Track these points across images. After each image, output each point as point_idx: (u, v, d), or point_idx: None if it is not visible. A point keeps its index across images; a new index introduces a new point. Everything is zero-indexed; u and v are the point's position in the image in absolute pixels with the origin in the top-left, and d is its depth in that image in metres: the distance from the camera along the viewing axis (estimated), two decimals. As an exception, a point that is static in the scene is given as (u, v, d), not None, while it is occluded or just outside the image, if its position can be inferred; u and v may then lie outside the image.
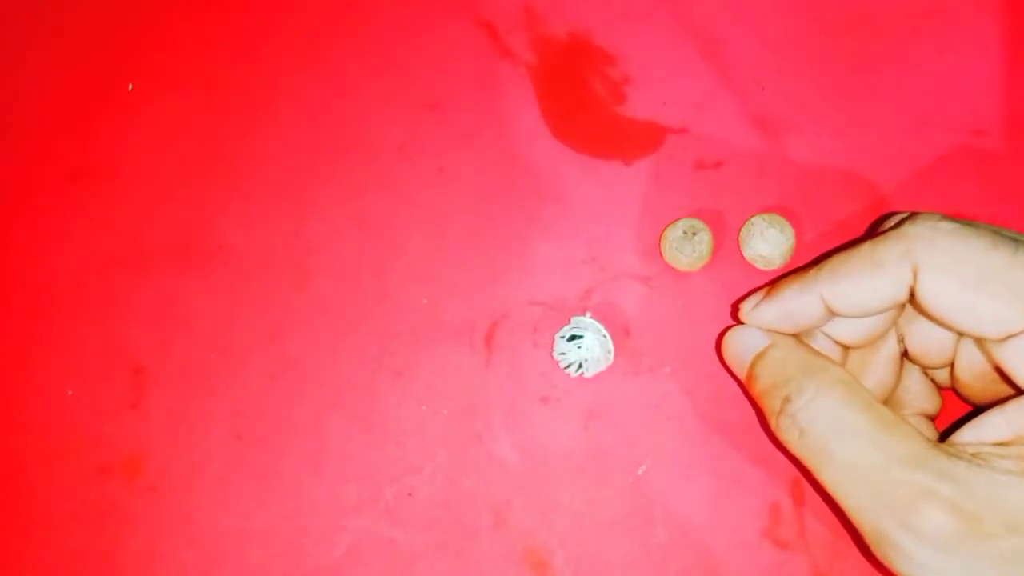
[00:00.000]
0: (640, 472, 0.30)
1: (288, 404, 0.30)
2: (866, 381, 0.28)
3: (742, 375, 0.27)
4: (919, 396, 0.28)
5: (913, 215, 0.25)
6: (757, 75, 0.34)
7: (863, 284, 0.24)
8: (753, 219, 0.31)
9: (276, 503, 0.30)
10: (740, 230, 0.32)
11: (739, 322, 0.28)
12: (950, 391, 0.28)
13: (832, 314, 0.26)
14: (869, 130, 0.33)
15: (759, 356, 0.26)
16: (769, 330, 0.27)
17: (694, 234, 0.31)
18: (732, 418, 0.30)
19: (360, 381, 0.31)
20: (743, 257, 0.31)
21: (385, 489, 0.30)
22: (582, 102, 0.34)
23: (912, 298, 0.24)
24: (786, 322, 0.26)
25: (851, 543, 0.29)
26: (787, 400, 0.25)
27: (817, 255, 0.31)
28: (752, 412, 0.30)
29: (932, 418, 0.28)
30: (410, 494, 0.30)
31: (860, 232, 0.32)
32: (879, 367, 0.28)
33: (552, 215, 0.33)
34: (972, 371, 0.26)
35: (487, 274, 0.32)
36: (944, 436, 0.25)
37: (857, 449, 0.23)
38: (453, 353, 0.31)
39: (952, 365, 0.27)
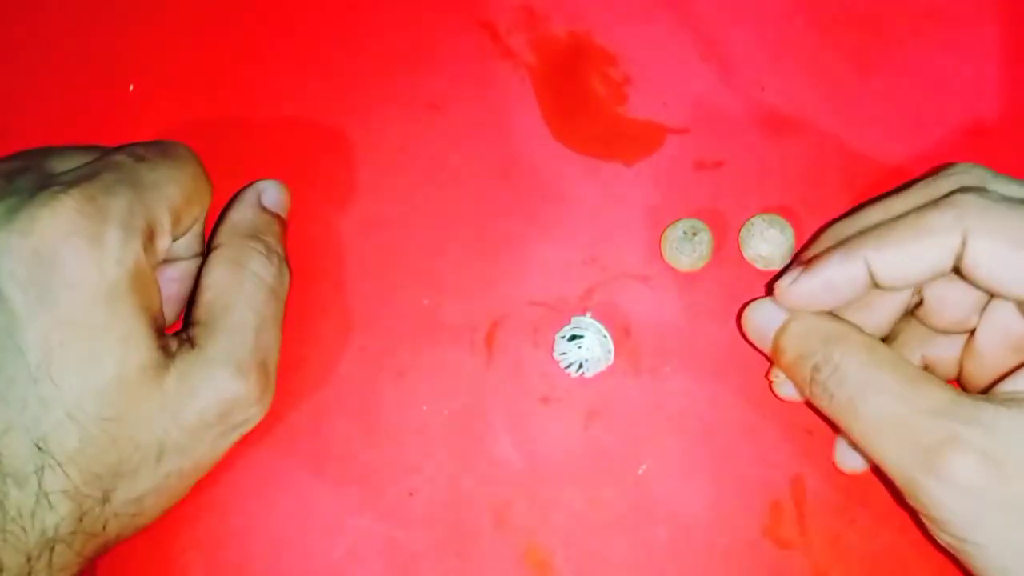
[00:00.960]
0: (640, 472, 0.30)
1: (289, 404, 0.30)
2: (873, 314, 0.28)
3: (766, 348, 0.28)
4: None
5: (954, 171, 0.25)
6: (757, 75, 0.34)
7: (911, 250, 0.24)
8: (753, 219, 0.31)
9: (277, 503, 0.30)
10: (740, 230, 0.32)
11: (741, 326, 0.28)
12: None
13: (875, 286, 0.26)
14: (869, 130, 0.33)
15: (781, 329, 0.27)
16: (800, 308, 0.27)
17: (694, 234, 0.31)
18: (732, 418, 0.30)
19: (361, 381, 0.31)
20: (743, 257, 0.31)
21: (386, 489, 0.30)
22: (582, 102, 0.34)
23: (956, 269, 0.24)
24: (828, 294, 0.26)
25: (851, 543, 0.29)
26: (816, 369, 0.25)
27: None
28: (752, 412, 0.30)
29: None
30: (411, 494, 0.30)
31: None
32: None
33: (552, 215, 0.33)
34: (996, 337, 0.27)
35: (488, 274, 0.32)
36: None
37: (883, 404, 0.24)
38: (454, 353, 0.31)
39: (967, 345, 0.27)
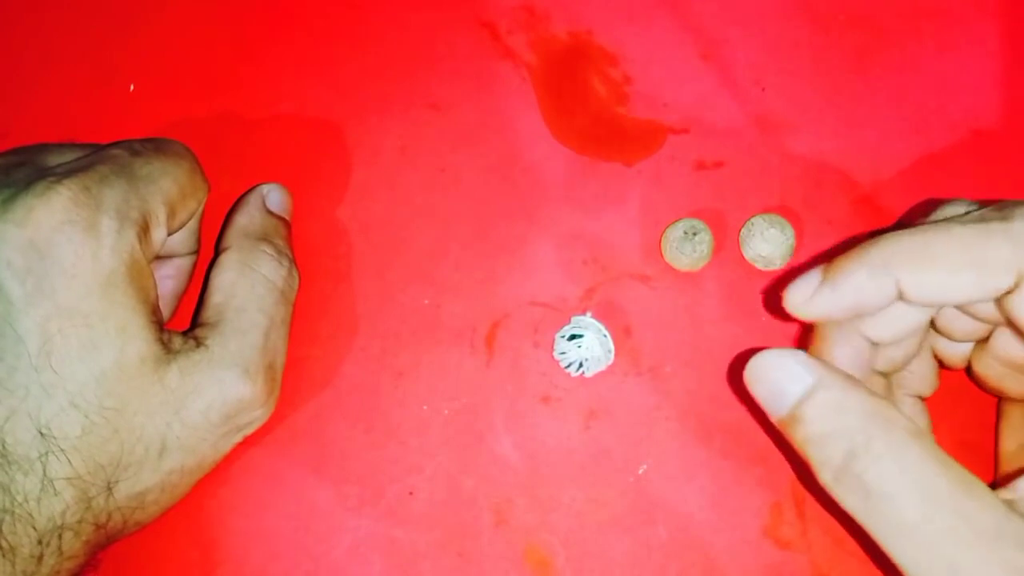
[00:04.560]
0: (640, 472, 0.30)
1: (289, 404, 0.30)
2: (895, 347, 0.26)
3: (778, 415, 0.23)
4: (919, 377, 0.28)
5: (1019, 207, 0.22)
6: (757, 75, 0.34)
7: (955, 278, 0.22)
8: (753, 219, 0.31)
9: (278, 503, 0.30)
10: (740, 230, 0.32)
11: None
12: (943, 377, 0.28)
13: (901, 300, 0.23)
14: (869, 130, 0.33)
15: (808, 396, 0.22)
16: (815, 356, 0.23)
17: (694, 234, 0.31)
18: (732, 418, 0.30)
19: (362, 381, 0.31)
20: (743, 257, 0.31)
21: (386, 488, 0.30)
22: (582, 102, 0.34)
23: (997, 301, 0.22)
24: (849, 310, 0.23)
25: (852, 543, 0.29)
26: (851, 455, 0.21)
27: (818, 256, 0.31)
28: (752, 412, 0.30)
29: (925, 400, 0.28)
30: (411, 493, 0.30)
31: (860, 232, 0.32)
32: (908, 339, 0.25)
33: (552, 215, 0.33)
34: (1007, 358, 0.25)
35: (488, 274, 0.32)
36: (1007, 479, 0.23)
37: (938, 520, 0.20)
38: (454, 353, 0.31)
39: (976, 348, 0.26)
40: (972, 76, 0.33)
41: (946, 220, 0.23)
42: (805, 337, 0.29)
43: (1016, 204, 0.22)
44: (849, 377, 0.23)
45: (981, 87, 0.33)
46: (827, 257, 0.25)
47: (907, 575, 0.20)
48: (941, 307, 0.23)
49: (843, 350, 0.25)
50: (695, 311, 0.31)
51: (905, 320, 0.24)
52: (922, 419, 0.28)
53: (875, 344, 0.25)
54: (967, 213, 0.23)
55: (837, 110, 0.33)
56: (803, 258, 0.31)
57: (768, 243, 0.31)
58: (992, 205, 0.23)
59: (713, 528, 0.29)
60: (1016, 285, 0.21)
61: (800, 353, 0.23)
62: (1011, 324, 0.22)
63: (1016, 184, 0.32)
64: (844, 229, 0.32)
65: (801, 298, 0.24)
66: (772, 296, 0.31)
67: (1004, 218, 0.22)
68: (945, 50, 0.34)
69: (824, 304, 0.23)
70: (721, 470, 0.29)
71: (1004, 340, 0.25)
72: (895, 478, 0.20)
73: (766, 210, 0.32)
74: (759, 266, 0.31)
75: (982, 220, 0.22)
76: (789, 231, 0.31)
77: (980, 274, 0.21)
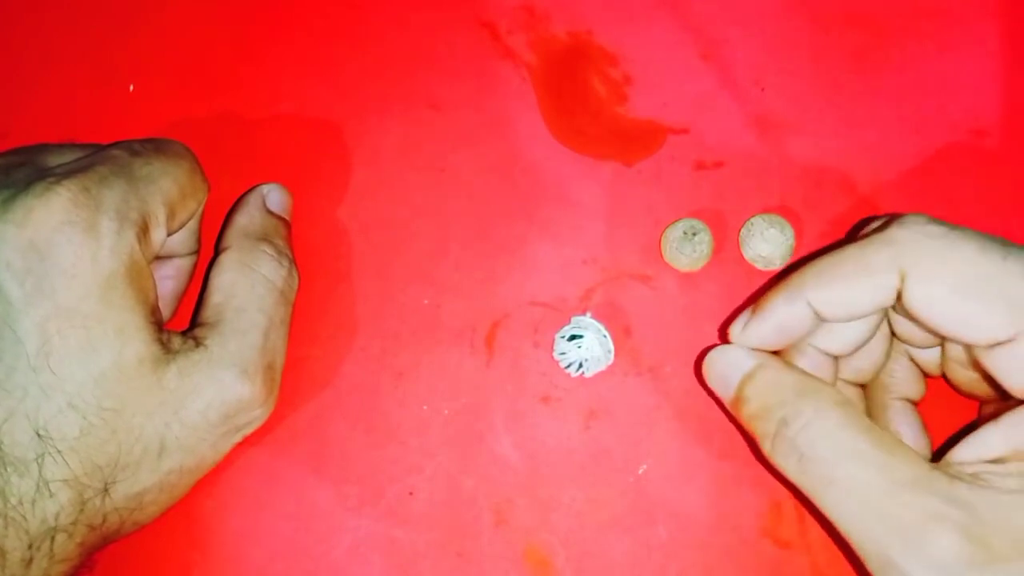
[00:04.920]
0: (640, 472, 0.30)
1: (290, 404, 0.30)
2: (858, 358, 0.27)
3: (728, 397, 0.26)
4: (904, 381, 0.28)
5: (899, 217, 0.24)
6: (757, 75, 0.34)
7: (850, 289, 0.24)
8: (753, 219, 0.31)
9: (278, 503, 0.30)
10: (740, 230, 0.32)
11: (727, 342, 0.27)
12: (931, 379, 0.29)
13: (822, 321, 0.25)
14: (869, 130, 0.33)
15: (747, 377, 0.25)
16: (758, 349, 0.26)
17: (694, 234, 0.31)
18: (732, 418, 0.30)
19: (361, 381, 0.31)
20: (743, 257, 0.31)
21: (386, 488, 0.30)
22: (582, 102, 0.34)
23: (898, 301, 0.24)
24: (778, 335, 0.26)
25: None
26: (783, 423, 0.24)
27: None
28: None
29: (915, 403, 0.28)
30: (411, 493, 0.30)
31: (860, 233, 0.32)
32: (872, 344, 0.27)
33: (552, 215, 0.33)
34: (960, 366, 0.26)
35: (488, 274, 0.32)
36: (938, 455, 0.25)
37: (860, 473, 0.22)
38: (454, 353, 0.31)
39: (942, 354, 0.27)
40: (972, 76, 0.33)
41: (847, 242, 0.25)
42: None
43: (896, 215, 0.24)
44: (785, 360, 0.26)
45: (981, 87, 0.33)
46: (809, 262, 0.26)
47: (839, 527, 0.23)
48: (853, 319, 0.25)
49: (800, 363, 0.27)
50: (695, 311, 0.31)
51: (851, 333, 0.26)
52: (913, 421, 0.28)
53: (835, 356, 0.27)
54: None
55: (837, 110, 0.33)
56: (803, 258, 0.31)
57: (768, 243, 0.31)
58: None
59: (713, 528, 0.29)
60: (901, 281, 0.23)
61: (743, 347, 0.26)
62: (913, 319, 0.24)
63: (1016, 184, 0.32)
64: (844, 229, 0.32)
65: (738, 330, 0.26)
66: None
67: (881, 228, 0.24)
68: (945, 50, 0.34)
69: (755, 333, 0.26)
70: (721, 470, 0.29)
71: (952, 345, 0.26)
72: (821, 440, 0.23)
73: (766, 210, 0.32)
74: (759, 266, 0.31)
75: (867, 235, 0.24)
76: (789, 231, 0.31)
77: (869, 280, 0.24)
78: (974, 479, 0.22)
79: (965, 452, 0.23)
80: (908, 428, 0.28)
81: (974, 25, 0.34)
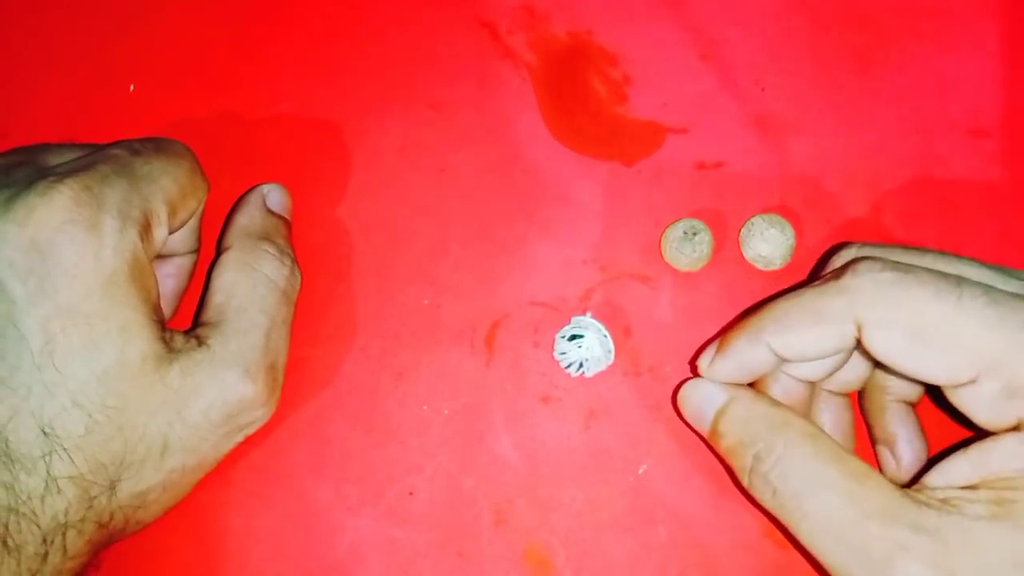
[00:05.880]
0: (640, 472, 0.30)
1: (290, 404, 0.30)
2: (842, 373, 0.27)
3: (704, 431, 0.27)
4: (900, 384, 0.28)
5: (854, 264, 0.24)
6: (757, 75, 0.34)
7: (808, 335, 0.24)
8: (753, 219, 0.31)
9: (278, 503, 0.30)
10: (740, 230, 0.32)
11: (697, 375, 0.27)
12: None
13: (784, 361, 0.26)
14: (869, 130, 0.33)
15: (720, 412, 0.26)
16: (727, 383, 0.27)
17: (694, 234, 0.31)
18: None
19: (361, 381, 0.31)
20: (743, 257, 0.32)
21: (386, 488, 0.30)
22: (582, 102, 0.34)
23: (859, 344, 0.24)
24: (742, 373, 0.26)
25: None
26: (757, 459, 0.24)
27: (818, 255, 0.31)
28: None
29: (913, 405, 0.28)
30: (411, 493, 0.30)
31: (860, 232, 0.32)
32: (852, 363, 0.27)
33: (552, 215, 0.33)
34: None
35: (488, 274, 0.32)
36: (915, 479, 0.25)
37: (831, 504, 0.23)
38: (454, 353, 0.31)
39: None
40: (972, 76, 0.33)
41: (803, 287, 0.25)
42: None
43: (853, 263, 0.24)
44: (756, 393, 0.26)
45: (981, 87, 0.33)
46: (824, 260, 0.26)
47: (817, 558, 0.23)
48: (816, 359, 0.25)
49: (773, 390, 0.27)
50: (695, 311, 0.31)
51: (820, 365, 0.26)
52: (910, 422, 0.28)
53: (808, 381, 0.27)
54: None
55: (837, 110, 0.33)
56: (803, 258, 0.31)
57: (768, 243, 0.31)
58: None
59: (713, 528, 0.29)
60: (858, 329, 0.23)
61: (714, 381, 0.27)
62: (878, 364, 0.24)
63: (1016, 184, 0.32)
64: (844, 229, 0.32)
65: (705, 364, 0.27)
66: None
67: (837, 276, 0.24)
68: (945, 50, 0.34)
69: (721, 370, 0.26)
70: (721, 470, 0.29)
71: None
72: (793, 474, 0.24)
73: (766, 210, 0.32)
74: (759, 266, 0.31)
75: (823, 282, 0.25)
76: (789, 231, 0.31)
77: (825, 328, 0.24)
78: (943, 504, 0.22)
79: (937, 478, 0.23)
80: (905, 430, 0.28)
81: (974, 25, 0.34)
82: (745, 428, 0.25)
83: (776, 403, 0.26)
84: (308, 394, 0.31)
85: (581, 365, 0.30)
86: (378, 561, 0.29)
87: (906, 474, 0.28)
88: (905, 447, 0.28)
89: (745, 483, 0.25)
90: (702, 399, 0.27)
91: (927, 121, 0.33)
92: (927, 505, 0.22)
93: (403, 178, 0.33)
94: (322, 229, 0.33)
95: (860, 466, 0.23)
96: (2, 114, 0.35)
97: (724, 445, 0.26)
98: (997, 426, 0.22)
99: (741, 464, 0.25)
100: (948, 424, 0.28)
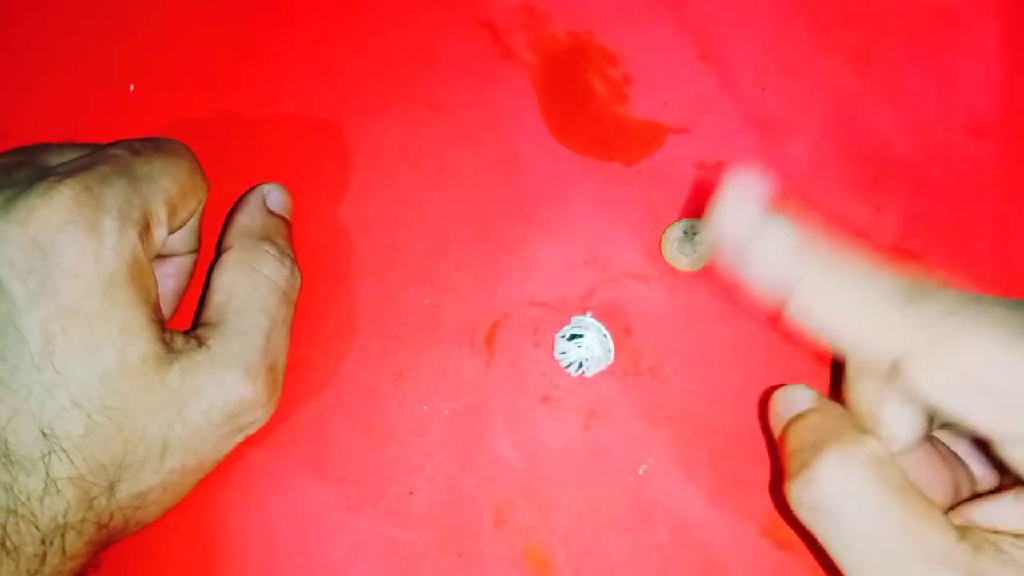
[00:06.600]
0: (640, 472, 0.30)
1: (290, 404, 0.30)
2: None
3: (776, 434, 0.26)
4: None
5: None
6: (757, 75, 0.34)
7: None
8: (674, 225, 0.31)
9: (278, 503, 0.30)
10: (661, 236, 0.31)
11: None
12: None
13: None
14: (869, 130, 0.33)
15: (796, 417, 0.25)
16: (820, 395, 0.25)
17: (694, 234, 0.31)
18: (732, 418, 0.30)
19: (362, 381, 0.31)
20: (743, 257, 0.31)
21: (386, 488, 0.30)
22: (582, 102, 0.34)
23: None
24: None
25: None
26: (804, 465, 0.23)
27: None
28: (753, 412, 0.30)
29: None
30: (411, 493, 0.30)
31: (860, 232, 0.32)
32: None
33: (552, 215, 0.33)
34: None
35: (488, 274, 0.32)
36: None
37: (885, 538, 0.21)
38: (454, 353, 0.31)
39: None
40: (972, 76, 0.33)
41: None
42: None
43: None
44: (836, 405, 0.25)
45: (981, 87, 0.33)
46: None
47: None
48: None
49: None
50: (695, 311, 0.31)
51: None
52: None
53: None
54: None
55: (837, 110, 0.33)
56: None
57: (693, 247, 0.31)
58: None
59: (713, 528, 0.29)
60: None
61: (807, 387, 0.25)
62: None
63: (1016, 184, 0.32)
64: (844, 229, 0.32)
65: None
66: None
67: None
68: (945, 50, 0.34)
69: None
70: (721, 470, 0.29)
71: None
72: (846, 494, 0.22)
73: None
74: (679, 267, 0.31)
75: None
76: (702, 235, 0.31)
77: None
78: (996, 551, 0.21)
79: (984, 515, 0.22)
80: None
81: (974, 25, 0.34)
82: (810, 434, 0.24)
83: (851, 419, 0.24)
84: (308, 394, 0.31)
85: (581, 365, 0.30)
86: (378, 561, 0.29)
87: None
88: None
89: (790, 493, 0.23)
90: (787, 401, 0.26)
91: (927, 121, 0.33)
92: (981, 551, 0.21)
93: (403, 178, 0.33)
94: (322, 229, 0.33)
95: (921, 502, 0.22)
96: (2, 114, 0.35)
97: (785, 449, 0.25)
98: None
99: (789, 468, 0.24)
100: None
